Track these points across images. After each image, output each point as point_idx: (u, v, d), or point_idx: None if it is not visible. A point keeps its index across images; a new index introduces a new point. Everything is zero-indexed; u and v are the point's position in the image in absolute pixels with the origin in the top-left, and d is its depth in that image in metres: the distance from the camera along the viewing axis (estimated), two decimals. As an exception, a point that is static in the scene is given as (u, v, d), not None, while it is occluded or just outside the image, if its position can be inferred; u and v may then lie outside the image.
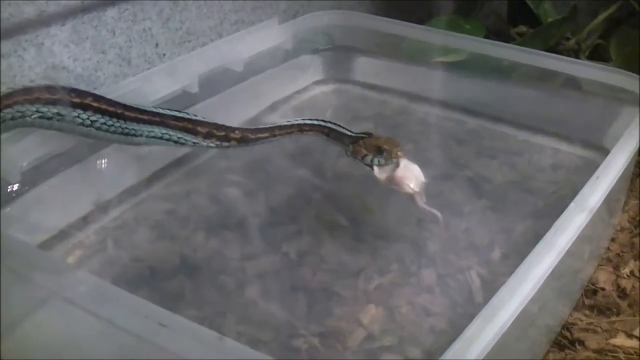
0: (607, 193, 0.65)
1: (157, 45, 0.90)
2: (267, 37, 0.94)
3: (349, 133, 0.75)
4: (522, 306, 0.51)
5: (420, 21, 1.04)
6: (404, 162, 0.71)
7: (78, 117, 0.69)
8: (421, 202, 0.69)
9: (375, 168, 0.71)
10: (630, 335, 0.75)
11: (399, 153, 0.71)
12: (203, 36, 0.95)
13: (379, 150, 0.71)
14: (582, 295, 0.80)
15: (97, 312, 0.50)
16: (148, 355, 0.49)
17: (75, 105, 0.69)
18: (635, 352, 0.73)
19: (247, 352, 0.47)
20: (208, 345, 0.47)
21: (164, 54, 0.91)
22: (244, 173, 0.84)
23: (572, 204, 0.62)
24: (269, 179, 0.83)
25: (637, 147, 0.74)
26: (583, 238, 0.72)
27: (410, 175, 0.70)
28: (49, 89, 0.68)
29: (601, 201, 0.64)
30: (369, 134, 0.74)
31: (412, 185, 0.69)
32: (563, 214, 0.60)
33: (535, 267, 0.55)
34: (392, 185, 0.70)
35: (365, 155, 0.72)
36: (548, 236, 0.58)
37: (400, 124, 0.92)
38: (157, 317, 0.49)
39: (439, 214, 0.69)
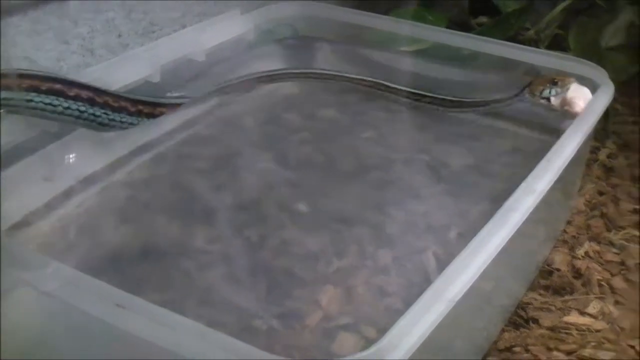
0: (557, 176, 0.67)
1: (120, 35, 0.91)
2: (230, 27, 0.95)
3: None
4: (468, 284, 0.53)
5: (385, 12, 1.06)
6: (574, 86, 0.83)
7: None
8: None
9: (552, 98, 0.84)
10: (583, 313, 0.78)
11: (570, 79, 0.84)
12: (166, 27, 0.96)
13: (553, 82, 0.84)
14: (537, 275, 0.82)
15: (57, 295, 0.51)
16: (106, 336, 0.51)
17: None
18: (587, 328, 0.76)
19: (202, 330, 0.48)
20: (164, 324, 0.48)
21: (127, 45, 0.92)
22: (207, 160, 0.85)
23: (522, 185, 0.64)
24: (232, 166, 0.84)
25: (590, 131, 0.77)
26: (536, 220, 0.74)
27: (580, 95, 0.83)
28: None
29: (551, 184, 0.66)
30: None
31: (581, 104, 0.82)
32: (512, 196, 0.62)
33: (484, 246, 0.56)
34: (566, 107, 0.83)
35: (543, 89, 0.84)
36: (496, 217, 0.60)
37: (363, 111, 0.93)
38: (114, 298, 0.50)
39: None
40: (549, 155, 0.69)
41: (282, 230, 0.73)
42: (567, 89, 0.83)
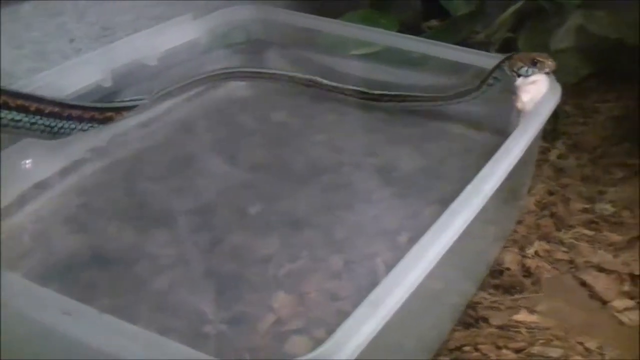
0: (504, 177, 0.68)
1: (72, 40, 0.90)
2: (183, 31, 0.95)
3: None
4: (415, 285, 0.54)
5: (338, 15, 1.07)
6: (540, 78, 0.83)
7: None
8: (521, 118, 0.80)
9: (521, 78, 0.83)
10: (532, 311, 0.79)
11: (549, 63, 0.83)
12: (120, 31, 0.96)
13: (533, 62, 0.83)
14: (488, 275, 0.84)
15: (8, 304, 0.51)
16: (55, 345, 0.51)
17: None
18: (536, 326, 0.77)
19: (147, 336, 0.49)
20: (112, 330, 0.49)
21: (80, 49, 0.91)
22: (160, 164, 0.85)
23: (469, 186, 0.65)
24: (185, 170, 0.84)
25: (538, 132, 0.78)
26: (486, 220, 0.75)
27: (532, 90, 0.82)
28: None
29: (498, 184, 0.67)
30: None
31: (525, 101, 0.81)
32: (459, 197, 0.63)
33: (430, 247, 0.57)
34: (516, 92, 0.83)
35: (522, 66, 0.83)
36: (443, 218, 0.60)
37: (313, 114, 0.94)
38: (61, 306, 0.50)
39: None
40: (496, 156, 0.69)
41: (234, 234, 0.74)
42: (545, 72, 0.83)
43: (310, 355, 0.46)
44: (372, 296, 0.52)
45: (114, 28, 0.95)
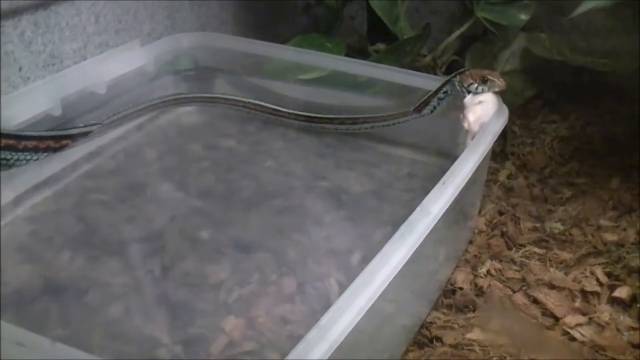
0: (453, 198, 0.69)
1: (20, 69, 0.89)
2: (130, 59, 0.95)
3: None
4: (366, 307, 0.54)
5: (285, 40, 1.07)
6: (488, 98, 0.83)
7: None
8: (468, 139, 0.81)
9: (470, 96, 0.84)
10: (485, 329, 0.79)
11: (499, 83, 0.84)
12: (67, 59, 0.95)
13: (483, 80, 0.84)
14: (441, 295, 0.84)
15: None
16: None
17: None
18: (489, 344, 0.77)
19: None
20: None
21: (28, 78, 0.90)
22: (110, 192, 0.84)
23: (417, 208, 0.65)
24: (135, 197, 0.84)
25: (485, 154, 0.79)
26: (436, 241, 0.76)
27: (478, 110, 0.82)
28: None
29: (447, 206, 0.67)
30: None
31: (471, 121, 0.81)
32: (409, 218, 0.64)
33: (380, 269, 0.57)
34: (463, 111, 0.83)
35: (472, 83, 0.84)
36: (393, 239, 0.61)
37: (262, 140, 0.94)
38: (14, 337, 0.50)
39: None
40: (444, 178, 0.70)
41: (185, 260, 0.74)
42: (494, 91, 0.84)
43: (262, 380, 0.46)
44: (323, 320, 0.52)
45: (61, 56, 0.94)
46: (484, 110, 0.83)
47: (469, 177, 0.73)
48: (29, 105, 0.83)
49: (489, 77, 0.84)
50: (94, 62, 0.94)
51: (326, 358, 0.49)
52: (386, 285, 0.57)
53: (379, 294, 0.55)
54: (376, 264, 0.58)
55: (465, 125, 0.82)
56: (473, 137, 0.81)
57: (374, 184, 0.87)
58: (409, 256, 0.60)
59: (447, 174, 0.71)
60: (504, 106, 0.86)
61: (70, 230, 0.79)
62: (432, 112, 0.88)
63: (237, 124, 0.99)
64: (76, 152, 0.87)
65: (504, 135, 1.10)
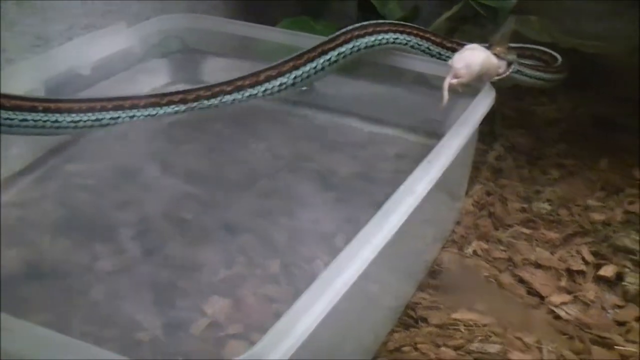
0: (437, 178, 0.69)
1: (4, 50, 0.89)
2: (115, 41, 0.94)
3: None
4: (347, 286, 0.54)
5: (275, 23, 1.07)
6: (474, 47, 0.83)
7: None
8: (446, 83, 0.80)
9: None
10: (470, 309, 0.80)
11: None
12: (53, 40, 0.94)
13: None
14: (427, 275, 0.84)
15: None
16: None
17: None
18: (474, 323, 0.78)
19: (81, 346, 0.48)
20: (46, 343, 0.48)
21: (12, 60, 0.90)
22: (94, 176, 0.84)
23: (401, 187, 0.65)
24: (119, 180, 0.83)
25: (471, 134, 0.79)
26: (422, 221, 0.76)
27: (468, 57, 0.81)
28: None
29: (431, 185, 0.67)
30: None
31: (457, 67, 0.80)
32: (392, 197, 0.64)
33: (363, 248, 0.57)
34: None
35: None
36: (375, 218, 0.61)
37: (249, 122, 0.94)
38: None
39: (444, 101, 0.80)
40: (429, 157, 0.70)
41: (170, 243, 0.74)
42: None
43: (241, 357, 0.46)
44: (305, 297, 0.52)
45: (47, 37, 0.93)
46: (473, 57, 0.82)
47: (455, 156, 0.73)
48: (11, 87, 0.82)
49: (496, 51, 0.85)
50: (79, 44, 0.93)
51: (308, 335, 0.50)
52: (367, 265, 0.57)
53: (359, 274, 0.55)
54: (358, 243, 0.58)
55: (450, 81, 0.81)
56: (462, 88, 0.81)
57: (361, 165, 0.87)
58: (391, 236, 0.60)
59: (432, 153, 0.72)
60: (491, 88, 0.86)
61: (53, 214, 0.79)
62: None
63: (224, 106, 0.97)
64: (60, 136, 0.87)
65: (492, 117, 1.10)
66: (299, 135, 0.92)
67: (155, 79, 0.99)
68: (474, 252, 0.89)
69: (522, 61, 0.93)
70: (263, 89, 0.90)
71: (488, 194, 1.01)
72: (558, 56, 1.01)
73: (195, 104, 0.90)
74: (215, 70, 1.01)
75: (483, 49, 0.83)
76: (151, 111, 0.89)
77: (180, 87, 0.99)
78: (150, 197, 0.81)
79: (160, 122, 0.93)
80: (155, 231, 0.75)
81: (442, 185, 0.71)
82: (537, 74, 0.96)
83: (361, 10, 1.19)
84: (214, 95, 0.90)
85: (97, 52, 0.92)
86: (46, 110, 0.82)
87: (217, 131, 0.92)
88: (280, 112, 0.95)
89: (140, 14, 1.06)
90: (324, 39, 0.92)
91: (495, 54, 0.84)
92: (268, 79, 0.90)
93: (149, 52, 0.99)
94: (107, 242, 0.74)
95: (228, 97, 0.90)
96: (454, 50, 0.88)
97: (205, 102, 0.90)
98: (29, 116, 0.81)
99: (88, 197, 0.81)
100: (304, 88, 0.93)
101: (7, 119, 0.80)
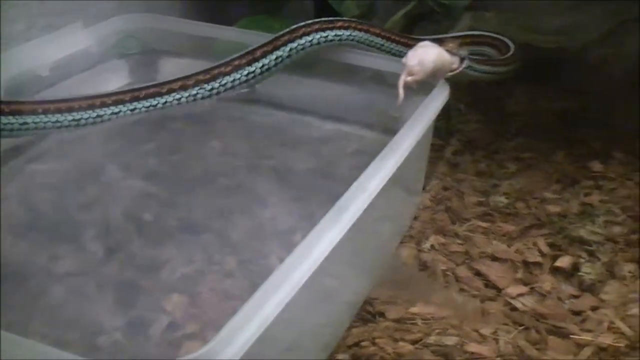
0: (391, 173, 0.70)
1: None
2: (74, 41, 0.94)
3: None
4: (301, 282, 0.55)
5: (233, 22, 1.07)
6: (427, 44, 0.84)
7: None
8: (400, 80, 0.82)
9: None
10: (428, 303, 0.81)
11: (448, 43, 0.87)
12: (11, 41, 0.94)
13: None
14: (385, 270, 0.86)
15: None
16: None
17: None
18: (432, 317, 0.79)
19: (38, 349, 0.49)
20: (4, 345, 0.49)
21: (-29, 61, 0.90)
22: (54, 176, 0.84)
23: (354, 184, 0.66)
24: (79, 180, 0.83)
25: (424, 129, 0.80)
26: (379, 217, 0.77)
27: (420, 54, 0.82)
28: None
29: (384, 181, 0.68)
30: None
31: (411, 64, 0.81)
32: (345, 194, 0.65)
33: (316, 244, 0.58)
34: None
35: None
36: (329, 215, 0.62)
37: (209, 120, 0.94)
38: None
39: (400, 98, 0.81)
40: (383, 153, 0.71)
41: (129, 243, 0.74)
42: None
43: (192, 356, 0.47)
44: (258, 294, 0.53)
45: (5, 38, 0.93)
46: (426, 54, 0.83)
47: (409, 152, 0.74)
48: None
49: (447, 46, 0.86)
50: (36, 45, 0.93)
51: (261, 333, 0.50)
52: (322, 261, 0.58)
53: (314, 269, 0.56)
54: (312, 239, 0.59)
55: (405, 79, 0.82)
56: (417, 84, 0.83)
57: (320, 162, 0.88)
58: (345, 231, 0.61)
59: (386, 149, 0.72)
60: (445, 84, 0.87)
61: (13, 215, 0.78)
62: None
63: (182, 106, 0.96)
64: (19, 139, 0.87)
65: (448, 113, 1.12)
66: (258, 133, 0.93)
67: (115, 79, 0.99)
68: (432, 246, 0.90)
69: (473, 57, 0.94)
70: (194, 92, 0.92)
71: (445, 188, 1.02)
72: (511, 44, 1.03)
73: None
74: (174, 70, 1.00)
75: (435, 45, 0.84)
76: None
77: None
78: (111, 197, 0.81)
79: (120, 122, 0.93)
80: (117, 231, 0.75)
81: (397, 181, 0.72)
82: (488, 68, 0.97)
83: (318, 8, 1.20)
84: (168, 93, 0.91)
85: (56, 52, 0.92)
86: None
87: (177, 130, 0.92)
88: (238, 111, 0.95)
89: (99, 14, 1.05)
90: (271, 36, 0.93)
91: (447, 50, 0.85)
92: (198, 83, 0.92)
93: (108, 52, 0.99)
94: (69, 243, 0.74)
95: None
96: (405, 45, 0.90)
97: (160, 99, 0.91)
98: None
99: (49, 197, 0.81)
100: (245, 90, 0.93)
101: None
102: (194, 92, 0.91)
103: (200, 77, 0.91)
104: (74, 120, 0.87)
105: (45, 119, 0.85)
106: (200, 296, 0.67)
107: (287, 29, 0.93)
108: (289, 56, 0.92)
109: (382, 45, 0.95)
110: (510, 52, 1.02)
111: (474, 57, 0.95)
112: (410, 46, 0.85)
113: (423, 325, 0.78)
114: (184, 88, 0.91)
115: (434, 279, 0.85)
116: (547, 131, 1.17)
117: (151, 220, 0.77)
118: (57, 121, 0.86)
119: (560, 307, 0.82)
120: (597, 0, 1.19)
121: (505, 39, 1.04)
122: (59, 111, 0.86)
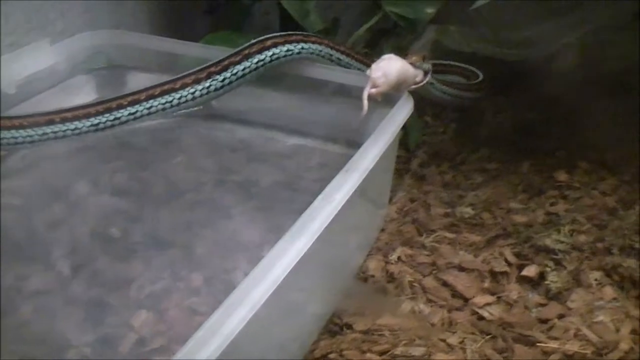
0: (356, 185, 0.71)
1: None
2: (40, 58, 0.94)
3: None
4: (264, 296, 0.55)
5: (199, 38, 1.08)
6: (391, 57, 0.84)
7: None
8: (365, 93, 0.82)
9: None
10: (395, 314, 0.82)
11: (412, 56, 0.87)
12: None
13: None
14: (353, 283, 0.86)
15: None
16: None
17: None
18: (399, 328, 0.80)
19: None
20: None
21: None
22: (18, 193, 0.84)
23: (319, 196, 0.67)
24: (45, 197, 0.83)
25: (389, 141, 0.80)
26: (346, 230, 0.78)
27: (384, 67, 0.83)
28: None
29: (350, 193, 0.69)
30: None
31: (374, 76, 0.82)
32: (310, 206, 0.65)
33: (281, 257, 0.59)
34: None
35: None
36: (294, 228, 0.62)
37: (173, 138, 0.95)
38: None
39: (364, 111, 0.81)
40: (347, 166, 0.72)
41: (96, 260, 0.74)
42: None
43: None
44: (222, 308, 0.53)
45: (-30, 57, 0.93)
46: (389, 66, 0.84)
47: (374, 164, 0.75)
48: None
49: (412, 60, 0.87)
50: (4, 62, 0.92)
51: (225, 347, 0.51)
52: (287, 274, 0.58)
53: (279, 283, 0.57)
54: (276, 252, 0.59)
55: (365, 96, 0.82)
56: (381, 97, 0.83)
57: (285, 176, 0.89)
58: (310, 244, 0.62)
59: (350, 161, 0.73)
60: (409, 97, 0.89)
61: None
62: None
63: (147, 124, 0.98)
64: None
65: (412, 125, 1.12)
66: (223, 149, 0.93)
67: (82, 95, 0.99)
68: (399, 258, 0.91)
69: (440, 78, 0.95)
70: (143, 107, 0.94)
71: (412, 200, 1.03)
72: (480, 73, 1.04)
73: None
74: (141, 85, 1.01)
75: (399, 58, 0.85)
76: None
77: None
78: (77, 215, 0.81)
79: (85, 139, 0.93)
80: (84, 248, 0.76)
81: (363, 193, 0.73)
82: (454, 91, 0.99)
83: (283, 23, 1.21)
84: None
85: (22, 70, 0.92)
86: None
87: (141, 147, 0.92)
88: (203, 127, 0.96)
89: (65, 31, 1.06)
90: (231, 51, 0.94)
91: (411, 63, 0.86)
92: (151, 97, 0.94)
93: (75, 68, 0.99)
94: (36, 261, 0.74)
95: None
96: (362, 62, 0.91)
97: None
98: None
99: (13, 215, 0.81)
100: (199, 107, 0.94)
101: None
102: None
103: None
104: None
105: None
106: (167, 312, 0.67)
107: (248, 43, 0.94)
108: (250, 72, 0.94)
109: (340, 60, 0.97)
110: (479, 79, 1.03)
111: (442, 79, 0.96)
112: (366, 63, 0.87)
113: (390, 337, 0.78)
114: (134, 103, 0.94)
115: (401, 290, 0.86)
116: (513, 142, 1.17)
117: (118, 237, 0.77)
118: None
119: (527, 315, 0.83)
120: (560, 11, 1.21)
121: (475, 69, 1.06)
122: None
